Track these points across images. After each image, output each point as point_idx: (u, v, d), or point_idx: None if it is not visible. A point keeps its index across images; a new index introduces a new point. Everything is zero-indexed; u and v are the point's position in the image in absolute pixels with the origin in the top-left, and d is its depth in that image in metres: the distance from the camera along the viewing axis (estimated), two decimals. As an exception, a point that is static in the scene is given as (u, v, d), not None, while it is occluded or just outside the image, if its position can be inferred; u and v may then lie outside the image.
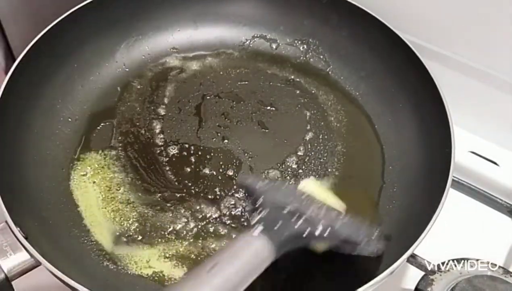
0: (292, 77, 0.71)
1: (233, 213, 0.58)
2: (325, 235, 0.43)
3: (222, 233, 0.56)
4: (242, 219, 0.57)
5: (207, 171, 0.61)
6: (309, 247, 0.44)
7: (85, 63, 0.67)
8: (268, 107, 0.68)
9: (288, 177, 0.61)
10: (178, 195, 0.59)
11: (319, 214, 0.44)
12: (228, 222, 0.57)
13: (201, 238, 0.56)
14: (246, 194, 0.49)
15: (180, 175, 0.60)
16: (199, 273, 0.38)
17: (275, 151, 0.63)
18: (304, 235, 0.43)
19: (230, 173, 0.61)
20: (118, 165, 0.61)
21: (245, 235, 0.42)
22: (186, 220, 0.57)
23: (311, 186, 0.53)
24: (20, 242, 0.46)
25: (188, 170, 0.61)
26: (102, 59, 0.69)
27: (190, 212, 0.58)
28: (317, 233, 0.43)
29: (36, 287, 0.55)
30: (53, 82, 0.64)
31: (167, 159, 0.62)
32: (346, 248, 0.45)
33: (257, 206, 0.44)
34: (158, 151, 0.62)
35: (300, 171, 0.62)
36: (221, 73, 0.71)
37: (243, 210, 0.58)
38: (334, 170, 0.62)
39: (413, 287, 0.55)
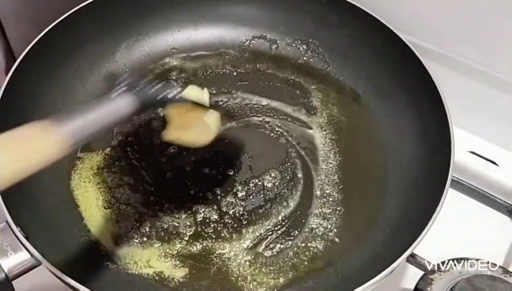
0: (292, 77, 0.71)
1: (233, 213, 0.58)
2: (176, 97, 0.50)
3: (222, 233, 0.56)
4: (242, 219, 0.57)
5: (207, 171, 0.61)
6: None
7: (85, 63, 0.67)
8: (268, 107, 0.68)
9: (288, 177, 0.61)
10: (178, 195, 0.59)
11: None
12: (228, 222, 0.57)
13: (201, 238, 0.56)
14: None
15: (180, 175, 0.61)
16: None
17: (275, 150, 0.63)
18: (160, 97, 0.48)
19: (230, 173, 0.61)
20: (118, 165, 0.61)
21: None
22: (186, 220, 0.57)
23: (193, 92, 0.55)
24: (20, 241, 0.46)
25: (188, 170, 0.61)
26: (102, 59, 0.69)
27: (190, 212, 0.58)
28: (170, 96, 0.49)
29: (36, 287, 0.55)
30: (53, 82, 0.64)
31: (167, 159, 0.62)
32: None
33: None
34: (158, 151, 0.63)
35: (301, 170, 0.62)
36: (221, 73, 0.71)
37: (243, 210, 0.58)
38: (334, 169, 0.62)
39: (412, 287, 0.55)
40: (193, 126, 0.53)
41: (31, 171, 0.37)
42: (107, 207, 0.58)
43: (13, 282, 0.46)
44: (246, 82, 0.70)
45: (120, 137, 0.64)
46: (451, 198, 0.53)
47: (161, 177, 0.60)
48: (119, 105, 0.43)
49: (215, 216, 0.57)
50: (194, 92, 0.54)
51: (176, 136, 0.54)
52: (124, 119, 0.45)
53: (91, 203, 0.58)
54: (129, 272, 0.53)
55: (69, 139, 0.39)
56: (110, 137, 0.63)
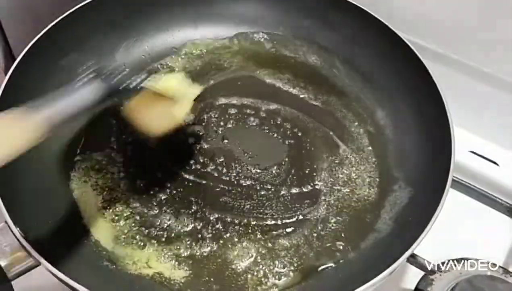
0: (292, 77, 0.71)
1: (232, 212, 0.58)
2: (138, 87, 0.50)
3: (222, 233, 0.56)
4: (242, 218, 0.57)
5: (208, 170, 0.61)
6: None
7: (85, 62, 0.67)
8: (269, 107, 0.68)
9: (288, 176, 0.61)
10: (178, 196, 0.59)
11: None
12: (229, 222, 0.57)
13: (201, 239, 0.56)
14: None
15: (180, 175, 0.60)
16: None
17: (275, 150, 0.63)
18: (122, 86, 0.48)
19: (230, 173, 0.61)
20: (118, 165, 0.61)
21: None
22: (186, 221, 0.57)
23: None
24: (19, 242, 0.46)
25: (188, 170, 0.61)
26: (102, 58, 0.69)
27: (190, 212, 0.58)
28: (131, 85, 0.49)
29: (36, 287, 0.55)
30: (52, 81, 0.64)
31: (167, 159, 0.62)
32: None
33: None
34: (157, 151, 0.62)
35: (299, 168, 0.62)
36: (221, 73, 0.71)
37: (242, 211, 0.58)
38: (333, 168, 0.62)
39: (413, 287, 0.55)
40: (155, 112, 0.53)
41: (8, 159, 0.37)
42: (106, 207, 0.58)
43: (13, 282, 0.46)
44: (246, 82, 0.70)
45: (120, 138, 0.63)
46: (451, 198, 0.53)
47: (161, 177, 0.60)
48: (87, 91, 0.44)
49: (215, 216, 0.57)
50: (172, 82, 0.54)
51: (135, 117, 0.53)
52: (93, 106, 0.45)
53: (91, 203, 0.58)
54: (129, 272, 0.53)
55: (42, 126, 0.39)
56: (109, 137, 0.63)
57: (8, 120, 0.38)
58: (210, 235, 0.56)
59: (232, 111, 0.67)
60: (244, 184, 0.60)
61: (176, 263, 0.54)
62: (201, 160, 0.62)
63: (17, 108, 0.39)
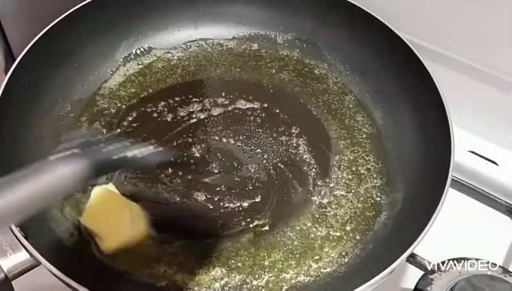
0: (292, 77, 0.71)
1: (234, 213, 0.58)
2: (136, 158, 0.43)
3: (223, 234, 0.56)
4: (242, 220, 0.57)
5: (210, 168, 0.61)
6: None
7: (85, 63, 0.67)
8: (268, 107, 0.68)
9: (289, 176, 0.61)
10: (178, 195, 0.59)
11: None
12: (229, 223, 0.57)
13: (200, 240, 0.56)
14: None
15: (179, 175, 0.60)
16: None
17: (275, 150, 0.63)
18: (117, 157, 0.42)
19: (231, 173, 0.61)
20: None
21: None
22: (186, 221, 0.57)
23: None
24: (20, 241, 0.46)
25: (188, 170, 0.61)
26: (102, 59, 0.69)
27: (189, 212, 0.57)
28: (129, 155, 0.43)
29: (36, 287, 0.55)
30: (53, 82, 0.64)
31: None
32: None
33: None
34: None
35: (300, 168, 0.62)
36: (221, 73, 0.71)
37: (243, 211, 0.58)
38: (333, 168, 0.62)
39: (412, 287, 0.55)
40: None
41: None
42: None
43: (13, 282, 0.46)
44: (246, 82, 0.70)
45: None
46: (451, 198, 0.53)
47: (161, 177, 0.60)
48: (66, 171, 0.36)
49: (215, 216, 0.57)
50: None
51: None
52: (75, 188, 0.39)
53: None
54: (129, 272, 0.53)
55: None
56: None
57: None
58: (210, 236, 0.56)
59: (232, 110, 0.67)
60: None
61: (176, 263, 0.54)
62: (201, 160, 0.62)
63: None
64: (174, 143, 0.63)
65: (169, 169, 0.60)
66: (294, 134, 0.65)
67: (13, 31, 0.75)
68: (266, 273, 0.54)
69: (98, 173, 0.39)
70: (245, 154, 0.63)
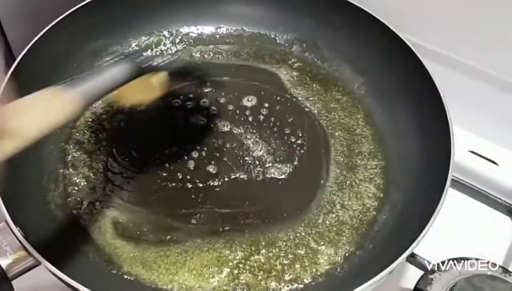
0: (292, 77, 0.71)
1: (234, 214, 0.58)
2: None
3: (223, 234, 0.56)
4: (242, 221, 0.57)
5: (210, 169, 0.61)
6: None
7: (85, 62, 0.67)
8: (268, 107, 0.68)
9: (288, 176, 0.61)
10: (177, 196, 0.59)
11: None
12: (230, 223, 0.57)
13: (200, 240, 0.56)
14: None
15: (179, 175, 0.61)
16: None
17: (275, 150, 0.63)
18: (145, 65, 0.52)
19: (231, 173, 0.61)
20: (118, 166, 0.61)
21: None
22: (186, 222, 0.57)
23: None
24: (19, 241, 0.46)
25: (188, 169, 0.61)
26: (101, 58, 0.69)
27: (190, 212, 0.57)
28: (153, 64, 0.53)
29: (36, 287, 0.55)
30: (52, 82, 0.63)
31: (166, 158, 0.62)
32: None
33: None
34: (158, 151, 0.62)
35: (300, 168, 0.62)
36: (221, 73, 0.71)
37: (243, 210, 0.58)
38: (332, 167, 0.62)
39: (412, 287, 0.55)
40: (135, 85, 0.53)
41: (49, 129, 0.40)
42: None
43: (13, 282, 0.46)
44: (246, 82, 0.70)
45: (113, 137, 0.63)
46: (451, 198, 0.53)
47: (160, 177, 0.60)
48: (117, 71, 0.48)
49: (216, 215, 0.57)
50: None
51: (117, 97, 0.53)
52: (121, 83, 0.48)
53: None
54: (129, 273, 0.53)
55: (79, 100, 0.43)
56: (103, 138, 0.63)
57: (47, 95, 0.42)
58: (210, 236, 0.56)
59: (232, 110, 0.67)
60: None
61: (176, 263, 0.54)
62: (201, 160, 0.62)
63: (54, 85, 0.42)
64: (173, 143, 0.63)
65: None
66: (293, 134, 0.65)
67: (13, 31, 0.75)
68: (266, 273, 0.54)
69: (136, 72, 0.50)
70: (244, 154, 0.63)
